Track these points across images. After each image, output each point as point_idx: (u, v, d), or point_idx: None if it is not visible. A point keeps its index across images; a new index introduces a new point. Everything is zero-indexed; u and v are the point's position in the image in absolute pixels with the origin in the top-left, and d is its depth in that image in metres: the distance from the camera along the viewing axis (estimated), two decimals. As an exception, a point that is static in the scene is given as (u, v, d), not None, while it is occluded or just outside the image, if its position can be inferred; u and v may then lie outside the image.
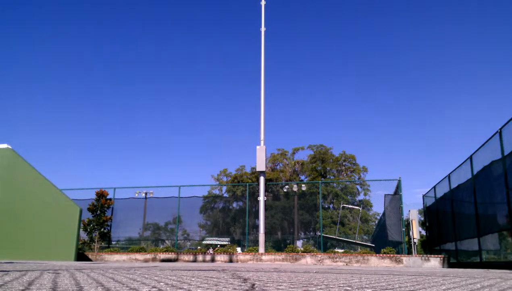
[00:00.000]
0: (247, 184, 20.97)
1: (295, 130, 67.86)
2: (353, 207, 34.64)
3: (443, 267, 12.18)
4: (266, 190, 15.68)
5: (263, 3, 16.90)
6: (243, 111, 70.14)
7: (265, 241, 14.67)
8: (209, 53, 72.39)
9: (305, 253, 13.51)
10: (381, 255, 12.92)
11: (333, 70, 69.84)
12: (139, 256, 14.47)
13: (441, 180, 15.52)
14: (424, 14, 65.53)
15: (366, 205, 38.72)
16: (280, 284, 2.80)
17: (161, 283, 2.71)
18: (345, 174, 43.32)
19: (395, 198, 16.58)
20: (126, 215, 19.24)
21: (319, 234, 19.28)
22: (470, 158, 11.60)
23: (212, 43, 72.48)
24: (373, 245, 22.15)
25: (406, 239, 17.50)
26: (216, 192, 37.84)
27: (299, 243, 22.90)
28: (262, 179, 14.89)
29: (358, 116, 66.64)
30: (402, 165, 62.65)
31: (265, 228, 14.98)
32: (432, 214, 18.12)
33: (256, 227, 18.32)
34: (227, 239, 22.32)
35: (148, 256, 14.44)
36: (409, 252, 17.81)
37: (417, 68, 66.38)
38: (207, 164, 72.09)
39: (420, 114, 65.13)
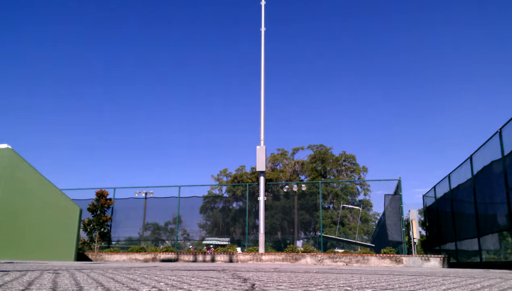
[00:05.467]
0: (247, 184, 20.97)
1: (295, 130, 67.93)
2: (353, 207, 34.64)
3: (443, 267, 12.18)
4: (266, 190, 15.69)
5: (263, 3, 16.89)
6: (243, 112, 70.21)
7: (265, 241, 14.66)
8: (209, 53, 72.45)
9: (305, 253, 13.50)
10: (381, 255, 12.92)
11: (333, 70, 69.90)
12: (139, 256, 14.46)
13: (441, 180, 15.51)
14: (424, 14, 65.55)
15: (366, 205, 38.72)
16: (280, 284, 2.80)
17: (161, 283, 2.71)
18: (345, 174, 43.32)
19: (395, 198, 16.57)
20: (126, 215, 19.23)
21: (319, 234, 19.28)
22: (470, 158, 11.60)
23: (212, 43, 72.54)
24: (373, 245, 22.15)
25: (406, 239, 17.50)
26: (216, 192, 37.86)
27: (299, 243, 22.90)
28: (262, 179, 14.89)
29: (358, 116, 66.70)
30: (402, 165, 62.73)
31: (265, 228, 14.98)
32: (432, 214, 18.11)
33: (256, 227, 18.31)
34: (227, 239, 22.32)
35: (148, 256, 14.44)
36: (409, 252, 17.80)
37: (417, 68, 66.42)
38: (207, 164, 72.17)
39: (420, 114, 65.21)
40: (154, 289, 2.28)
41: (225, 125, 70.97)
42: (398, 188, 16.18)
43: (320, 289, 2.41)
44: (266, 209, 15.40)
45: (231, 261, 13.63)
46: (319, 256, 13.13)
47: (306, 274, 4.49)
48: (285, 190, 24.11)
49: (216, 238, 22.72)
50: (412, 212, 18.56)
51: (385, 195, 18.73)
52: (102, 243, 17.06)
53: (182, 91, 73.32)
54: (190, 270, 5.30)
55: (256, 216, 18.70)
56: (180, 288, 2.32)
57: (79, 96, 70.25)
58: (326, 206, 37.86)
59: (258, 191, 15.15)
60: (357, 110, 67.32)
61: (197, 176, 75.18)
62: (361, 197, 41.33)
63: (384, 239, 18.16)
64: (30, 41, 68.06)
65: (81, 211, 13.04)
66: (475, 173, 11.24)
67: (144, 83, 72.73)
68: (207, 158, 70.36)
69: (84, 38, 70.70)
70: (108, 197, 17.24)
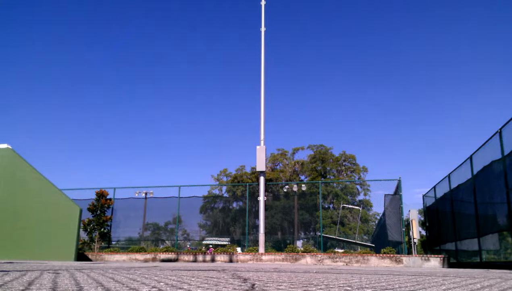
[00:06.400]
0: (247, 184, 20.97)
1: (295, 130, 67.96)
2: (353, 207, 34.63)
3: (443, 267, 12.18)
4: (266, 190, 15.69)
5: (263, 3, 16.89)
6: (243, 111, 70.24)
7: (265, 241, 14.66)
8: (209, 53, 72.47)
9: (305, 253, 13.50)
10: (381, 255, 12.92)
11: (333, 70, 69.93)
12: (139, 256, 14.46)
13: (441, 180, 15.51)
14: (424, 14, 65.57)
15: (366, 205, 38.72)
16: (280, 284, 2.80)
17: (161, 283, 2.71)
18: (345, 174, 43.31)
19: (395, 198, 16.57)
20: (126, 215, 19.23)
21: (319, 234, 19.28)
22: (470, 158, 11.60)
23: (212, 43, 72.56)
24: (373, 245, 22.15)
25: (406, 239, 17.50)
26: (216, 192, 37.84)
27: (299, 243, 22.90)
28: (262, 179, 14.89)
29: (358, 116, 66.72)
30: (402, 165, 62.74)
31: (265, 228, 14.98)
32: (432, 214, 18.11)
33: (256, 227, 18.32)
34: (227, 239, 22.32)
35: (148, 256, 14.44)
36: (409, 252, 17.80)
37: (417, 68, 66.45)
38: (207, 164, 72.19)
39: (420, 114, 65.23)
40: (154, 289, 2.28)
41: (225, 125, 71.04)
42: (398, 188, 16.18)
43: (320, 289, 2.41)
44: (266, 209, 15.40)
45: (231, 261, 13.63)
46: (319, 256, 13.13)
47: (306, 274, 4.49)
48: (285, 190, 24.12)
49: (216, 238, 22.71)
50: (412, 212, 18.56)
51: (385, 195, 18.75)
52: (102, 243, 17.06)
53: (182, 91, 73.39)
54: (190, 270, 5.30)
55: (256, 216, 18.70)
56: (180, 288, 2.32)
57: (79, 96, 70.32)
58: (326, 206, 37.86)
59: (258, 191, 15.15)
60: (357, 110, 67.39)
61: (197, 176, 75.23)
62: (361, 197, 41.35)
63: (384, 239, 18.16)
64: (30, 41, 68.11)
65: (81, 211, 13.04)
66: (475, 173, 11.24)
67: (144, 83, 72.80)
68: (207, 158, 70.43)
69: (84, 38, 70.75)
70: (108, 197, 17.24)
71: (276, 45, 66.40)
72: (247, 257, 13.59)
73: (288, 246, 15.81)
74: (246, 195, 19.90)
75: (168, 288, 2.31)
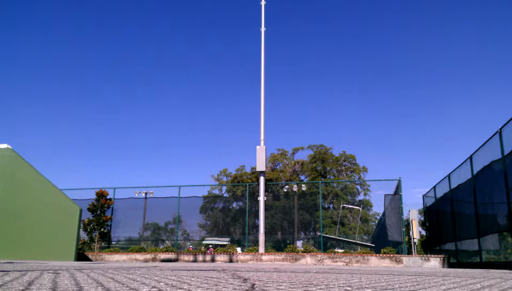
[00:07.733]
0: (247, 184, 20.97)
1: (295, 130, 67.94)
2: (353, 207, 34.62)
3: (443, 267, 12.18)
4: (266, 190, 15.68)
5: (263, 3, 16.89)
6: (243, 111, 70.25)
7: (265, 241, 14.66)
8: (209, 53, 72.46)
9: (305, 253, 13.50)
10: (381, 255, 12.92)
11: (333, 70, 69.92)
12: (139, 256, 14.46)
13: (441, 180, 15.51)
14: (424, 14, 65.58)
15: (366, 205, 38.71)
16: (280, 284, 2.80)
17: (161, 283, 2.71)
18: (345, 174, 43.29)
19: (395, 198, 16.57)
20: (126, 215, 19.23)
21: (319, 234, 19.28)
22: (470, 158, 11.60)
23: (212, 43, 72.55)
24: (373, 245, 22.15)
25: (406, 239, 17.50)
26: (216, 192, 37.82)
27: (299, 243, 22.89)
28: (262, 179, 14.89)
29: (358, 116, 66.71)
30: (402, 165, 62.73)
31: (265, 228, 14.97)
32: (432, 214, 18.11)
33: (256, 227, 18.31)
34: (227, 239, 22.31)
35: (148, 256, 14.44)
36: (409, 252, 17.80)
37: (417, 68, 66.45)
38: (207, 164, 72.16)
39: (420, 114, 65.22)
40: (154, 289, 2.28)
41: (225, 125, 71.03)
42: (398, 188, 16.18)
43: (320, 289, 2.41)
44: (266, 209, 15.40)
45: (231, 261, 13.62)
46: (319, 256, 13.12)
47: (306, 274, 4.49)
48: (285, 190, 24.11)
49: (216, 238, 22.72)
50: (412, 212, 18.56)
51: (385, 195, 18.75)
52: (102, 243, 17.06)
53: (182, 91, 73.39)
54: (190, 270, 5.30)
55: (256, 216, 18.70)
56: (180, 288, 2.32)
57: (79, 96, 70.31)
58: (326, 206, 37.85)
59: (258, 191, 15.15)
60: (357, 110, 67.38)
61: (197, 176, 75.22)
62: (361, 197, 41.33)
63: (384, 239, 18.16)
64: (30, 41, 68.10)
65: (81, 211, 13.04)
66: (475, 173, 11.24)
67: (144, 83, 72.81)
68: (207, 158, 70.41)
69: (84, 38, 70.76)
70: (108, 197, 17.24)
71: (276, 45, 66.40)
72: (247, 257, 13.59)
73: (288, 246, 15.81)
74: (246, 195, 19.90)
75: (168, 288, 2.31)
